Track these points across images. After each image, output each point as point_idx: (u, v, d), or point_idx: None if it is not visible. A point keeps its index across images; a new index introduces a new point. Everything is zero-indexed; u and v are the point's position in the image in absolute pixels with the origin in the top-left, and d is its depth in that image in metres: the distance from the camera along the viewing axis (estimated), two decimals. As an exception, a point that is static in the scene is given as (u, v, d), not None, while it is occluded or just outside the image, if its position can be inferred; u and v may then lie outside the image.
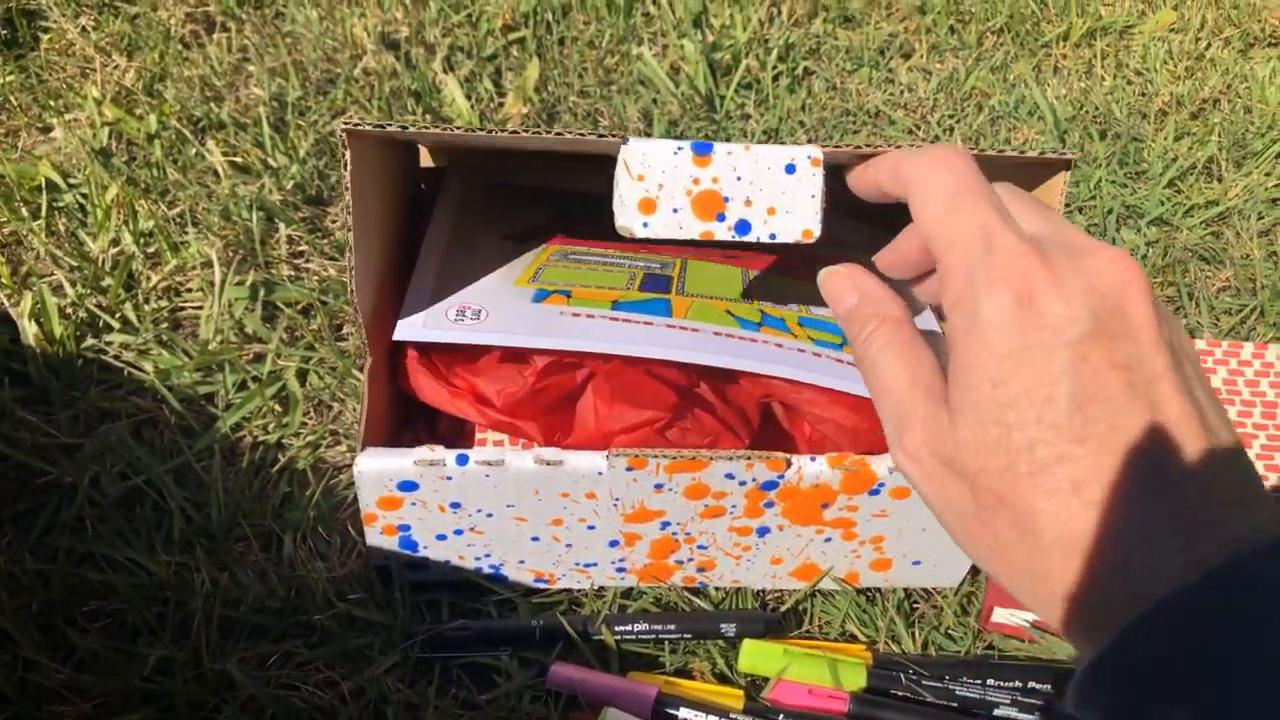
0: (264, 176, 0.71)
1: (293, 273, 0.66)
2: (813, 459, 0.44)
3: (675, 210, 0.37)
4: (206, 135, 0.75)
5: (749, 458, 0.43)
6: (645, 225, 0.37)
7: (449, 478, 0.43)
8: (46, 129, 0.76)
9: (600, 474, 0.43)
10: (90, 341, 0.60)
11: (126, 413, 0.56)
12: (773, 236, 0.38)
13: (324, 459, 0.55)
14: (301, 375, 0.59)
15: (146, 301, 0.63)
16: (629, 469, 0.43)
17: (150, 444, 0.55)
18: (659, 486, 0.44)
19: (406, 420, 0.52)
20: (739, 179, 0.37)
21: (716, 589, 0.51)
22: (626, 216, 0.37)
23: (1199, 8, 0.97)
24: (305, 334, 0.61)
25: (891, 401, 0.29)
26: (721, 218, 0.37)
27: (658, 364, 0.46)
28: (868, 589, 0.51)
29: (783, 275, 0.53)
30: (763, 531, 0.47)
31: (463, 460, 0.43)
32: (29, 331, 0.59)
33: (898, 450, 0.28)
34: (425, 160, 0.61)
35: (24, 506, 0.52)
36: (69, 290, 0.62)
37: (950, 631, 0.50)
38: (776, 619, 0.49)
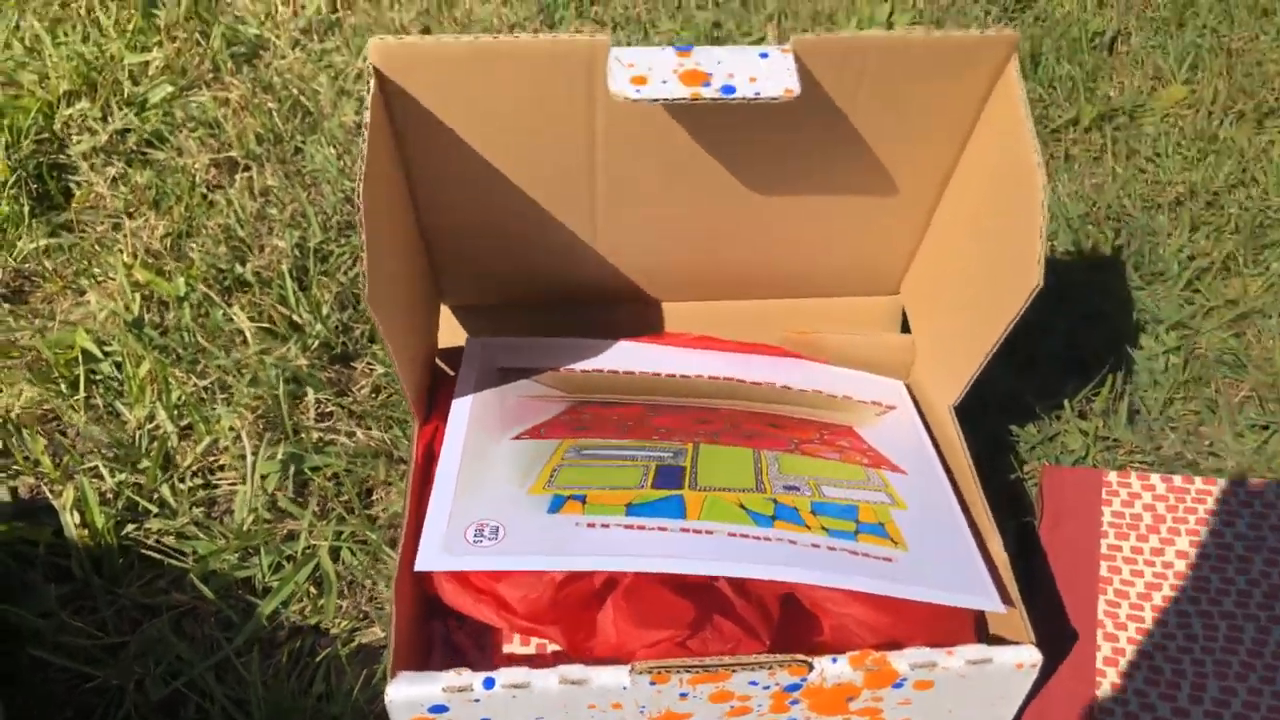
0: (290, 340, 0.73)
1: (321, 435, 0.68)
2: (834, 660, 0.45)
3: (664, 81, 0.44)
4: (233, 296, 0.77)
5: (770, 666, 0.44)
6: (638, 91, 0.43)
7: (477, 700, 0.44)
8: (81, 292, 0.79)
9: (625, 689, 0.44)
10: (129, 528, 0.62)
11: (167, 606, 0.58)
12: (757, 94, 0.44)
13: (361, 644, 0.57)
14: (334, 553, 0.61)
15: (182, 480, 0.65)
16: (652, 684, 0.44)
17: (191, 638, 0.57)
18: (684, 695, 0.45)
19: (435, 608, 0.54)
20: (719, 63, 0.44)
21: (748, 770, 0.51)
22: (619, 84, 0.43)
23: (1210, 79, 0.96)
24: (336, 505, 0.63)
25: None
26: (707, 85, 0.44)
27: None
28: (899, 761, 0.51)
29: (794, 452, 0.54)
30: (789, 723, 0.47)
31: (489, 684, 0.44)
32: (71, 524, 0.61)
33: None
34: (443, 335, 0.63)
35: (71, 714, 0.54)
36: (107, 477, 0.64)
37: (984, 804, 0.50)
38: (808, 803, 0.50)
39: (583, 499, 0.48)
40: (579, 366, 0.58)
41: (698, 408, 0.57)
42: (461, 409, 0.53)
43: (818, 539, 0.47)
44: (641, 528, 0.46)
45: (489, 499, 0.48)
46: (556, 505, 0.48)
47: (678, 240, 0.58)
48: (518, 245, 0.58)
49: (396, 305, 0.49)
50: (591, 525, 0.46)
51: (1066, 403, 0.68)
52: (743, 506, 0.49)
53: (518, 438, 0.52)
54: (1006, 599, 0.48)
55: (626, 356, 0.59)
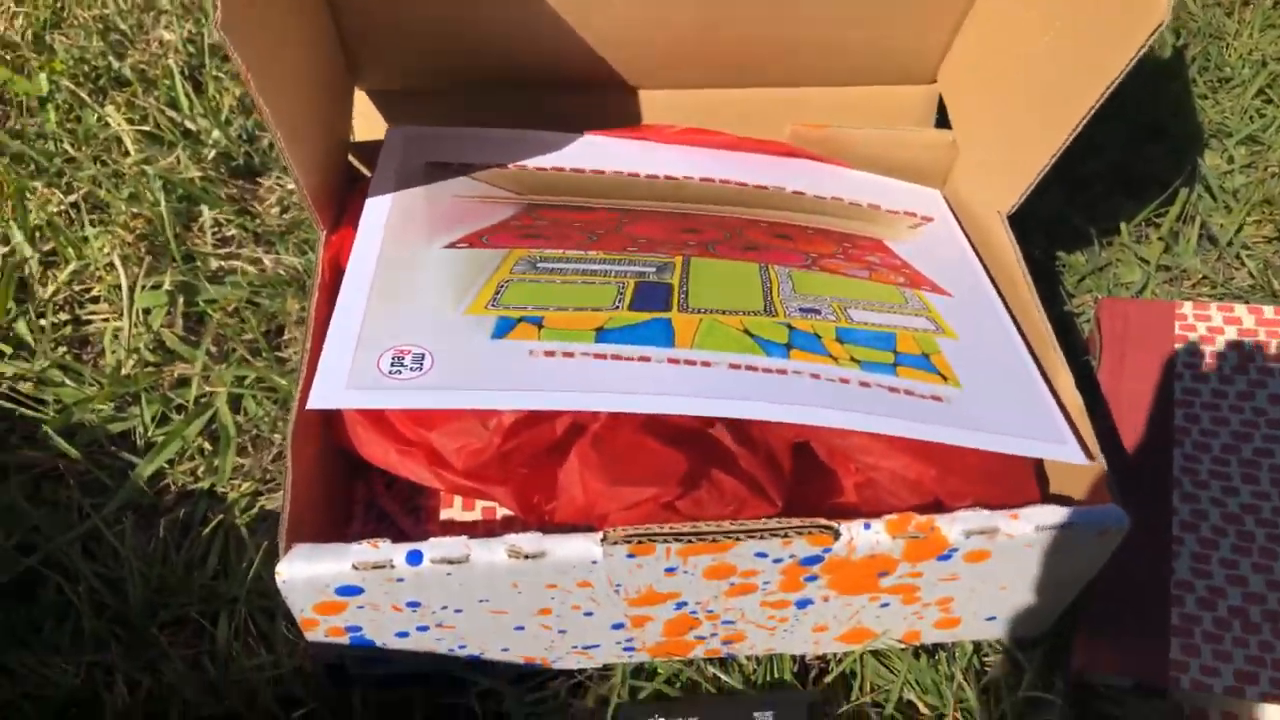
0: (179, 146, 0.59)
1: (221, 266, 0.55)
2: (867, 526, 0.34)
3: None
4: (108, 97, 0.63)
5: (785, 534, 0.33)
6: None
7: (400, 579, 0.33)
8: (-76, 95, 0.64)
9: (595, 563, 0.33)
10: (-25, 374, 0.49)
11: (20, 466, 0.46)
12: None
13: (265, 510, 0.46)
14: (235, 402, 0.49)
15: (42, 316, 0.52)
16: (631, 556, 0.33)
17: (52, 505, 0.45)
18: (671, 570, 0.34)
19: (357, 467, 0.43)
20: None
21: (747, 658, 0.41)
22: None
23: None
24: (237, 345, 0.51)
25: None
26: None
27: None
28: (930, 645, 0.42)
29: (811, 269, 0.42)
30: (803, 604, 0.38)
31: (415, 558, 0.33)
32: (-102, 368, 0.48)
33: None
34: (358, 128, 0.49)
35: (-100, 599, 0.43)
36: (-56, 311, 0.51)
37: (1032, 695, 0.41)
38: (820, 699, 0.40)
39: (538, 322, 0.36)
40: (532, 163, 0.46)
41: (686, 214, 0.45)
42: (377, 210, 0.41)
43: (847, 372, 0.36)
44: (617, 358, 0.35)
45: (412, 320, 0.36)
46: (504, 329, 0.36)
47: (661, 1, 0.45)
48: (453, 5, 0.44)
49: (273, 47, 0.35)
50: (550, 354, 0.35)
51: (1122, 227, 0.57)
52: (748, 332, 0.37)
53: (451, 245, 0.40)
54: (1085, 449, 0.37)
55: (594, 152, 0.46)
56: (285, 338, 0.53)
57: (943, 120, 0.52)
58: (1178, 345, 0.48)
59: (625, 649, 0.40)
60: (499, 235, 0.41)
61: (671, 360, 0.35)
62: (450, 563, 0.33)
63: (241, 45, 0.31)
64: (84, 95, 0.62)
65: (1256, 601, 0.40)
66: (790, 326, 0.38)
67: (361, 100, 0.50)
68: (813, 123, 0.49)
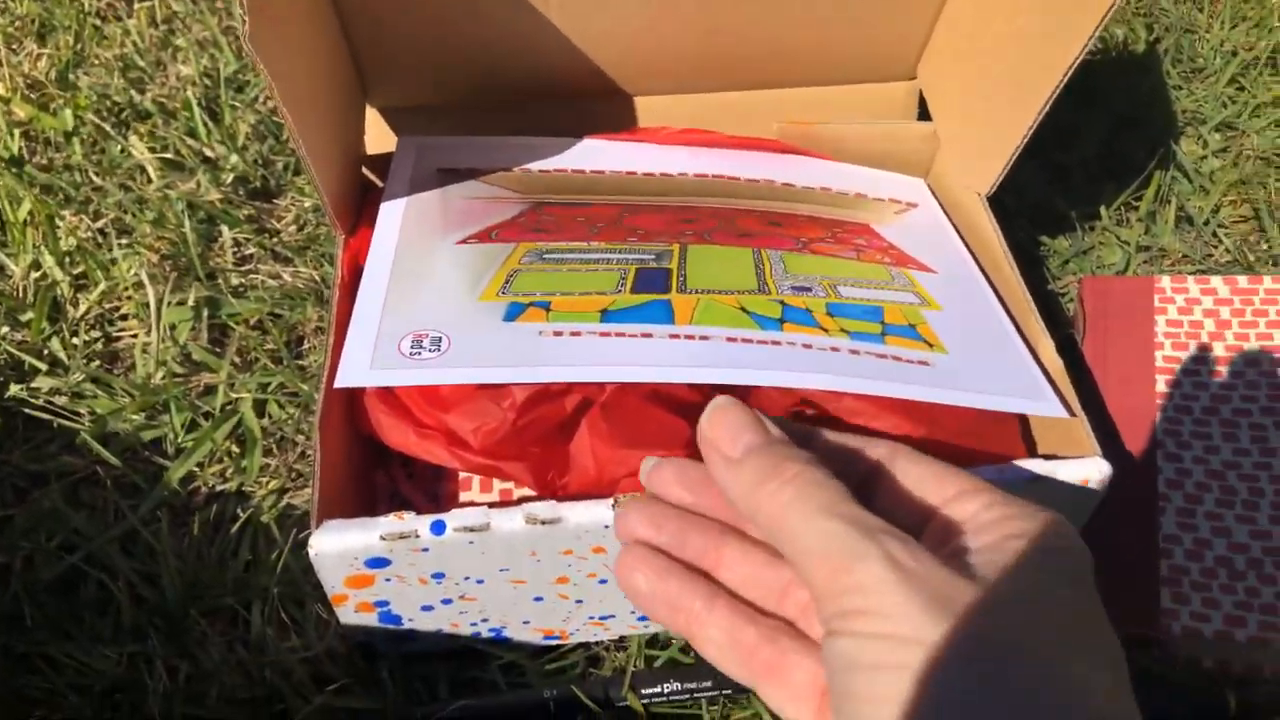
0: (199, 172, 0.62)
1: (241, 282, 0.58)
2: (860, 482, 0.36)
3: None
4: (130, 129, 0.66)
5: (784, 492, 0.35)
6: None
7: (425, 549, 0.36)
8: (-46, 136, 0.68)
9: (607, 527, 0.36)
10: (13, 389, 0.52)
11: (59, 473, 0.49)
12: None
13: (291, 506, 0.48)
14: (259, 407, 0.52)
15: (75, 334, 0.55)
16: (640, 519, 0.35)
17: (90, 508, 0.48)
18: (679, 532, 0.36)
19: (378, 458, 0.45)
20: None
21: (756, 626, 0.43)
22: None
23: None
24: (260, 355, 0.54)
25: None
26: None
27: (663, 383, 0.38)
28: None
29: (802, 252, 0.44)
30: (807, 565, 0.39)
31: (439, 528, 0.35)
32: (-59, 386, 0.51)
33: None
34: (369, 143, 0.52)
35: (-50, 599, 0.45)
36: (-18, 332, 0.54)
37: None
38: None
39: (546, 306, 0.39)
40: (536, 166, 0.48)
41: (682, 206, 0.47)
42: (392, 211, 0.43)
43: (837, 342, 0.38)
44: (621, 334, 0.37)
45: (428, 308, 0.38)
46: (514, 313, 0.38)
47: (653, 6, 0.47)
48: (455, 19, 0.47)
49: (294, 61, 0.38)
50: (558, 334, 0.37)
51: (1102, 210, 0.59)
52: (743, 309, 0.40)
53: (463, 242, 0.42)
54: (1066, 405, 0.39)
55: (594, 155, 0.49)
56: (305, 346, 0.55)
57: (924, 115, 0.55)
58: (1158, 316, 0.50)
59: (639, 618, 0.42)
60: (507, 230, 0.43)
61: (672, 335, 0.37)
62: (472, 530, 0.35)
63: (267, 58, 0.34)
64: (108, 128, 0.65)
65: (1241, 550, 0.42)
66: (783, 303, 0.40)
67: (372, 116, 0.52)
68: (799, 120, 0.51)
